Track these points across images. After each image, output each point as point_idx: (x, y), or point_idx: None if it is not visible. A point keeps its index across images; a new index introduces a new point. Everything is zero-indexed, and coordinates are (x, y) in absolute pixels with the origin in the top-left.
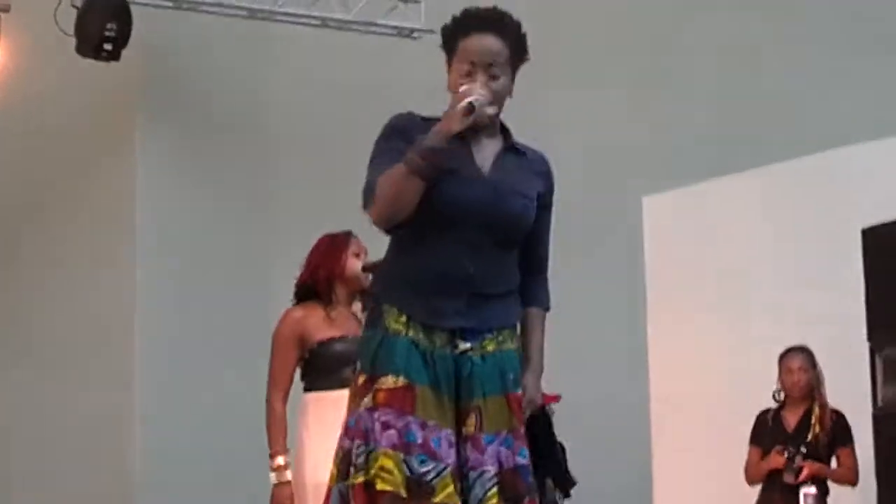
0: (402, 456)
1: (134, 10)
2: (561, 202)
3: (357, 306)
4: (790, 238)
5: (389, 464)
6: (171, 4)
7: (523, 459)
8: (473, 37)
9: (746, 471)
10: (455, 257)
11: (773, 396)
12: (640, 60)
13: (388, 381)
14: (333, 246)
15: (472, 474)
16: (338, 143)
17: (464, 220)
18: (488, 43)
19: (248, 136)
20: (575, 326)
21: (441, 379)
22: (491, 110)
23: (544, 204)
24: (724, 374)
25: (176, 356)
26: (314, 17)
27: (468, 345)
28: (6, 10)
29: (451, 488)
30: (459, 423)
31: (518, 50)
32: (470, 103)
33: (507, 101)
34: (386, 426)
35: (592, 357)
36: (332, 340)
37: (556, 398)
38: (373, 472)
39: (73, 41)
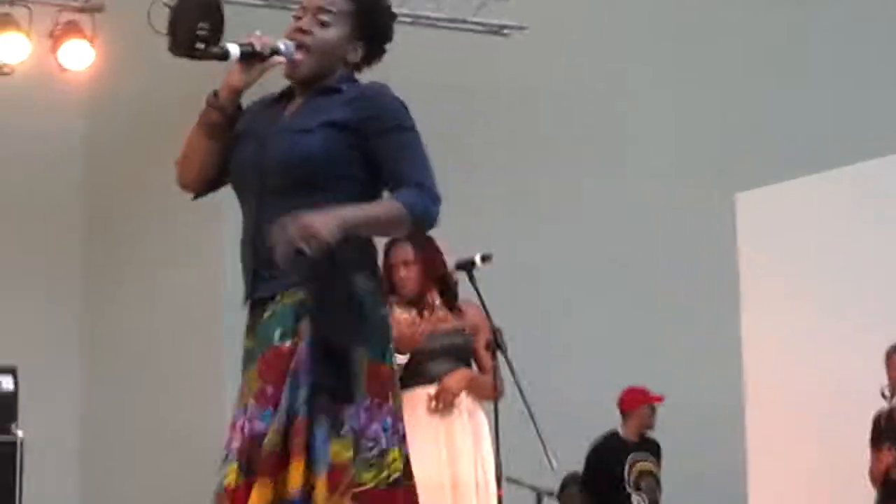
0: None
1: (226, 8)
2: (654, 199)
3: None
4: (885, 234)
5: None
6: (262, 2)
7: (262, 424)
8: None
9: (870, 473)
10: (248, 226)
11: (882, 394)
12: (733, 56)
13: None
14: (384, 259)
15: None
16: (427, 141)
17: (243, 184)
18: None
19: None
20: (668, 326)
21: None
22: (299, 56)
23: (368, 132)
24: (821, 372)
25: None
26: (405, 15)
27: (269, 312)
28: (100, 9)
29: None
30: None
31: (364, 9)
32: (253, 49)
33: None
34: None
35: (686, 356)
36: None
37: (660, 399)
38: None
39: (165, 40)
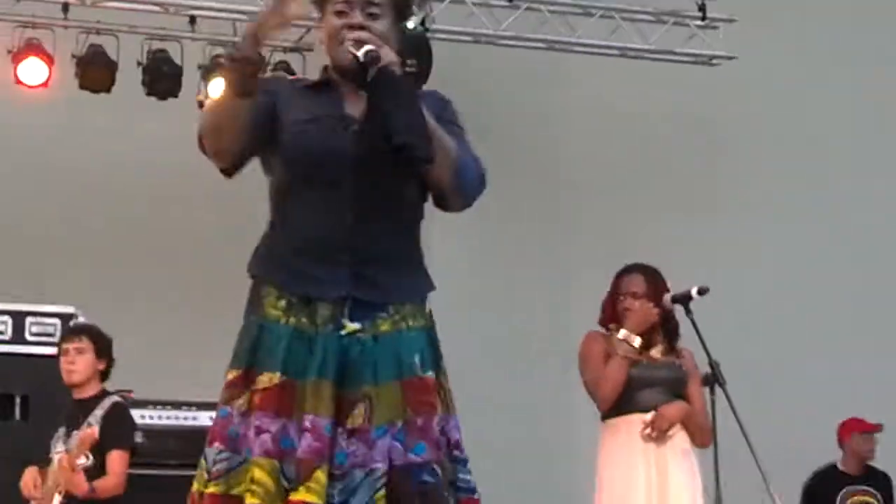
0: (277, 463)
1: (434, 44)
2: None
3: (656, 337)
4: None
5: (262, 475)
6: (470, 39)
7: (417, 457)
8: None
9: None
10: (331, 217)
11: None
12: None
13: (265, 380)
14: (612, 288)
15: (358, 473)
16: (636, 170)
17: (322, 172)
18: None
19: (545, 167)
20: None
21: (327, 365)
22: (387, 56)
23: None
24: None
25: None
26: (613, 47)
27: (357, 325)
28: (310, 49)
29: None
30: (342, 414)
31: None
32: (369, 51)
33: None
34: (259, 430)
35: None
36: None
37: (877, 427)
38: (242, 486)
39: None
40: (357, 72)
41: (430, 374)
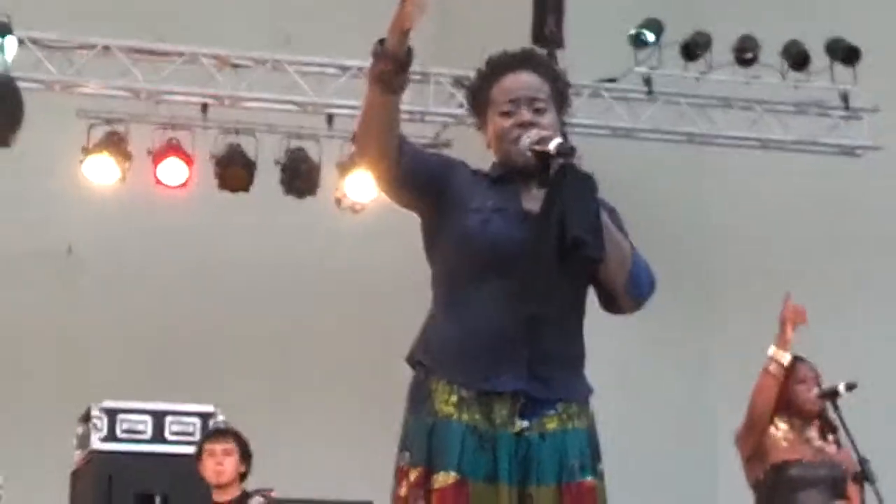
0: None
1: (572, 140)
2: None
3: (813, 433)
4: None
5: None
6: (608, 132)
7: None
8: (508, 76)
9: None
10: (506, 310)
11: None
12: None
13: (440, 479)
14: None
15: None
16: (781, 263)
17: (498, 262)
18: (527, 78)
19: (691, 262)
20: None
21: (502, 467)
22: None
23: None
24: None
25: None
26: (753, 139)
27: (525, 423)
28: (448, 144)
29: None
30: None
31: (560, 89)
32: (561, 144)
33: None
34: None
35: None
36: (787, 464)
37: None
38: None
39: None
40: (536, 168)
41: (590, 478)
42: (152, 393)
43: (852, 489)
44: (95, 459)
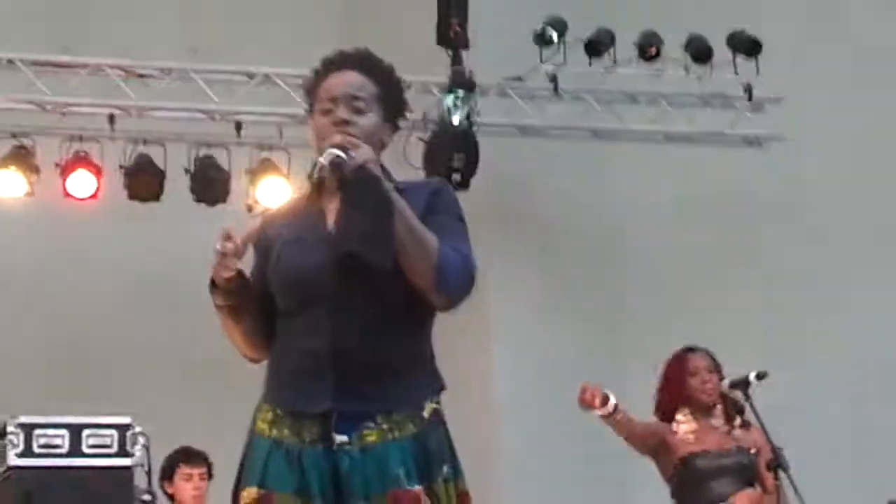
0: None
1: (481, 139)
2: None
3: (718, 420)
4: None
5: None
6: (516, 131)
7: None
8: (333, 75)
9: None
10: (312, 332)
11: None
12: None
13: (245, 495)
14: (676, 368)
15: None
16: (689, 256)
17: (306, 292)
18: (350, 77)
19: (600, 257)
20: None
21: (312, 482)
22: (361, 156)
23: (426, 213)
24: None
25: (541, 477)
26: (660, 133)
27: (344, 437)
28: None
29: None
30: None
31: (390, 92)
32: (333, 158)
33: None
34: None
35: None
36: (693, 455)
37: None
38: None
39: (422, 174)
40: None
41: (417, 486)
42: (69, 407)
43: (767, 476)
44: (13, 476)
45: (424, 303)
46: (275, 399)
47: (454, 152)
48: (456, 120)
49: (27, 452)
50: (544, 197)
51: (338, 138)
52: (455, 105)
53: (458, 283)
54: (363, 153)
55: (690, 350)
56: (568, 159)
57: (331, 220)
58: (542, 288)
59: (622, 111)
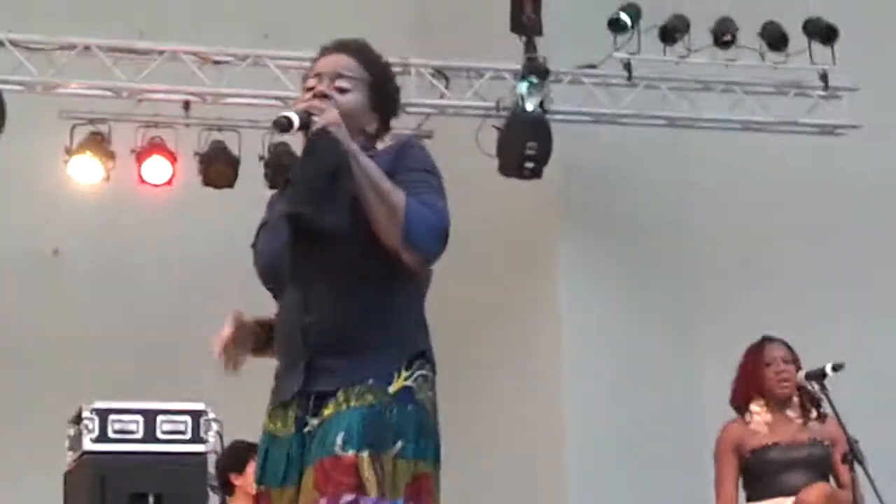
0: None
1: (554, 127)
2: None
3: (793, 411)
4: None
5: None
6: (590, 119)
7: None
8: (323, 57)
9: None
10: (289, 317)
11: None
12: None
13: (256, 493)
14: (752, 359)
15: None
16: (765, 246)
17: (284, 272)
18: (340, 58)
19: (673, 248)
20: None
21: (292, 471)
22: (326, 118)
23: (395, 173)
24: None
25: (608, 470)
26: (734, 121)
27: (315, 420)
28: (430, 135)
29: None
30: None
31: (380, 82)
32: (303, 112)
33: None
34: None
35: None
36: (766, 447)
37: None
38: None
39: (495, 162)
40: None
41: (352, 452)
42: (143, 392)
43: (842, 469)
44: (87, 461)
45: (401, 268)
46: (272, 390)
47: (527, 140)
48: (529, 107)
49: (102, 438)
50: (617, 185)
51: (303, 104)
52: (529, 92)
53: (427, 238)
54: (328, 116)
55: (768, 340)
56: (642, 148)
57: None
58: (615, 278)
59: (696, 99)
